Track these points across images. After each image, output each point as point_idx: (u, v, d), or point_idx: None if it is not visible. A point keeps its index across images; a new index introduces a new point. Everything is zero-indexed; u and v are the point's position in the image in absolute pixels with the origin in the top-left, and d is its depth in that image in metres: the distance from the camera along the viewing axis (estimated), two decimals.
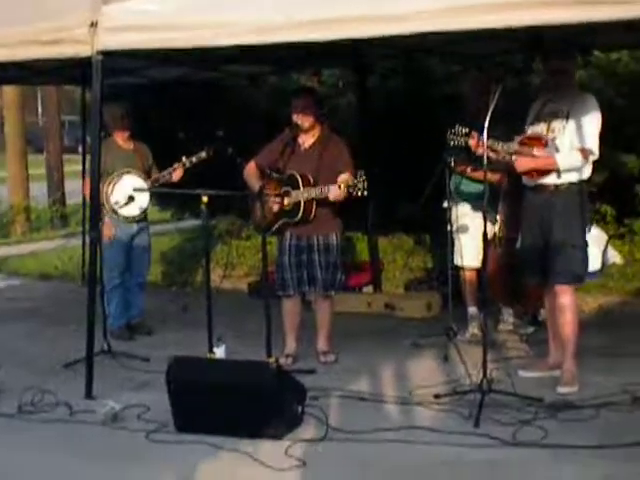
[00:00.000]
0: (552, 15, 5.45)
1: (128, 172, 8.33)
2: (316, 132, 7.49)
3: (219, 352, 6.59)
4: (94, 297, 6.89)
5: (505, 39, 7.34)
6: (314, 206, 7.30)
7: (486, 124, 6.11)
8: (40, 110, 33.88)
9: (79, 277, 11.24)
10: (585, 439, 5.56)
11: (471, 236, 7.96)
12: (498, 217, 7.94)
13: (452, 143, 7.16)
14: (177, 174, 8.42)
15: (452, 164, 7.73)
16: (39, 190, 19.11)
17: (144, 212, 8.50)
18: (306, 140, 7.49)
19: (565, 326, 6.70)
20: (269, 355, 6.38)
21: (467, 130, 7.04)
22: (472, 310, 8.27)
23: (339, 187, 7.04)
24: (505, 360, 7.38)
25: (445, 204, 8.04)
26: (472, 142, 7.22)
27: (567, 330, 6.70)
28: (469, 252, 8.01)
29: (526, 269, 6.98)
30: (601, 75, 9.62)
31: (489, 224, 6.94)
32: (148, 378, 7.08)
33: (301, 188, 7.26)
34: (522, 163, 6.70)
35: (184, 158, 8.40)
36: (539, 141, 6.65)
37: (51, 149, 19.04)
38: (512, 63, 10.07)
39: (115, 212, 8.25)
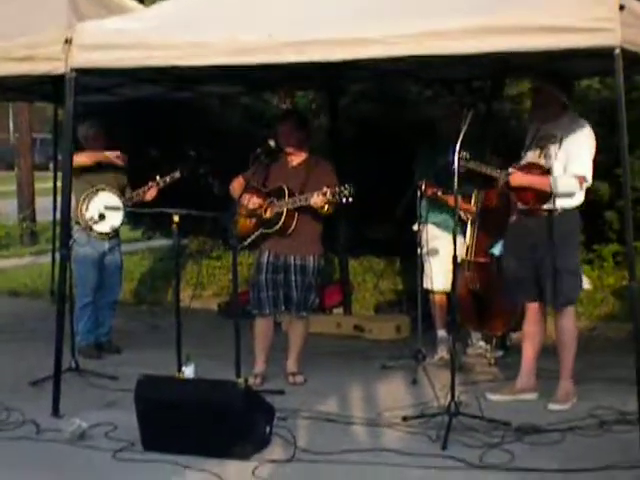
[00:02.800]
0: (523, 42, 5.53)
1: (103, 189, 8.32)
2: (303, 153, 7.56)
3: (188, 371, 6.55)
4: (63, 314, 6.86)
5: (477, 65, 7.40)
6: (295, 219, 7.34)
7: (457, 148, 6.17)
8: (12, 127, 33.73)
9: (48, 294, 11.20)
10: (551, 463, 5.58)
11: (441, 259, 7.97)
12: (467, 241, 8.00)
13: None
14: (150, 193, 8.42)
15: (423, 187, 7.77)
16: (9, 207, 19.01)
17: (116, 230, 8.49)
18: (294, 159, 7.56)
19: (564, 346, 6.79)
20: (238, 375, 6.36)
21: (468, 155, 7.00)
22: (441, 333, 8.29)
23: (323, 194, 7.07)
24: (473, 383, 7.40)
25: (415, 227, 8.07)
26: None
27: (565, 351, 6.79)
28: (439, 275, 8.02)
29: (514, 290, 7.03)
30: (572, 102, 9.68)
31: (459, 248, 6.97)
32: (116, 397, 7.05)
33: (286, 198, 7.31)
34: (516, 177, 6.72)
35: (158, 178, 8.41)
36: (536, 168, 6.70)
37: (22, 166, 18.96)
38: (483, 88, 10.15)
39: (90, 228, 8.21)
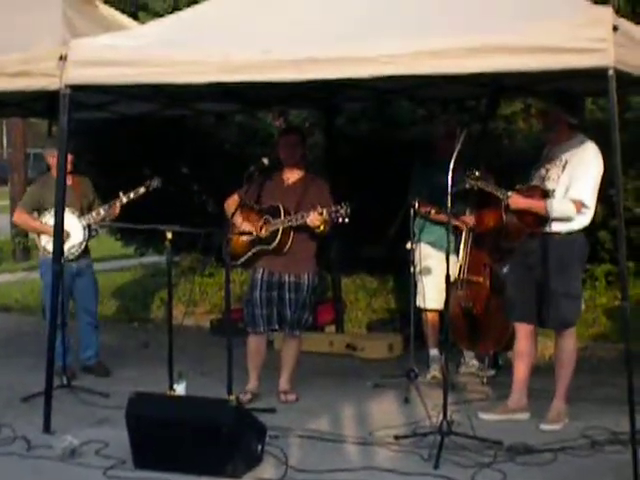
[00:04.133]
0: (517, 61, 5.56)
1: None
2: (300, 171, 7.57)
3: (179, 389, 6.55)
4: (54, 330, 6.85)
5: (472, 84, 7.41)
6: (291, 237, 7.33)
7: (451, 166, 6.16)
8: (5, 142, 33.71)
9: (40, 310, 11.15)
10: None
11: (434, 278, 7.97)
12: (460, 260, 8.00)
13: (467, 185, 7.10)
14: (114, 210, 8.29)
15: (416, 206, 7.77)
16: (2, 222, 18.98)
17: (77, 251, 8.25)
18: (290, 177, 7.57)
19: (562, 365, 6.80)
20: (230, 393, 6.36)
21: (479, 174, 7.03)
22: (433, 352, 8.28)
23: (319, 213, 7.07)
24: (465, 402, 7.39)
25: (409, 245, 8.06)
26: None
27: (562, 369, 6.80)
28: (431, 294, 8.00)
29: (511, 310, 7.03)
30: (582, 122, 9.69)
31: (452, 266, 6.98)
32: (107, 414, 7.02)
33: (282, 217, 7.30)
34: (514, 200, 6.72)
35: (121, 194, 8.27)
36: (537, 191, 6.70)
37: (16, 181, 18.95)
38: (477, 108, 10.17)
39: (48, 252, 7.95)
